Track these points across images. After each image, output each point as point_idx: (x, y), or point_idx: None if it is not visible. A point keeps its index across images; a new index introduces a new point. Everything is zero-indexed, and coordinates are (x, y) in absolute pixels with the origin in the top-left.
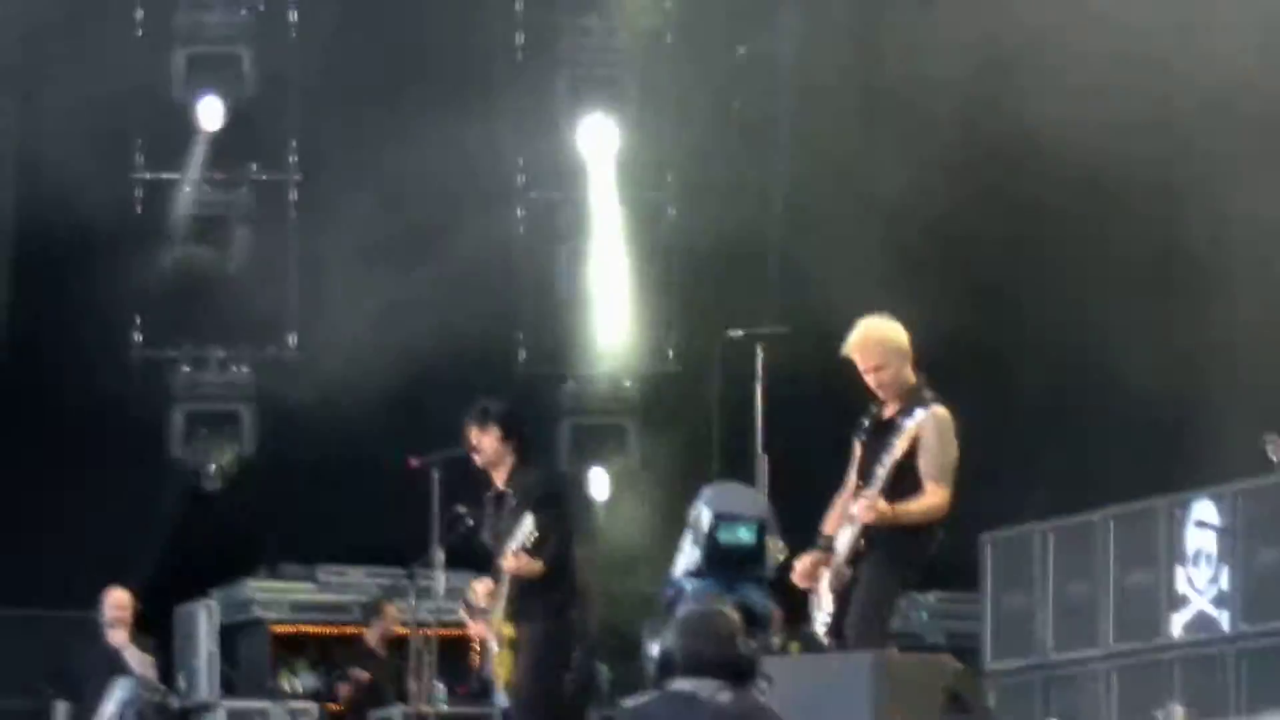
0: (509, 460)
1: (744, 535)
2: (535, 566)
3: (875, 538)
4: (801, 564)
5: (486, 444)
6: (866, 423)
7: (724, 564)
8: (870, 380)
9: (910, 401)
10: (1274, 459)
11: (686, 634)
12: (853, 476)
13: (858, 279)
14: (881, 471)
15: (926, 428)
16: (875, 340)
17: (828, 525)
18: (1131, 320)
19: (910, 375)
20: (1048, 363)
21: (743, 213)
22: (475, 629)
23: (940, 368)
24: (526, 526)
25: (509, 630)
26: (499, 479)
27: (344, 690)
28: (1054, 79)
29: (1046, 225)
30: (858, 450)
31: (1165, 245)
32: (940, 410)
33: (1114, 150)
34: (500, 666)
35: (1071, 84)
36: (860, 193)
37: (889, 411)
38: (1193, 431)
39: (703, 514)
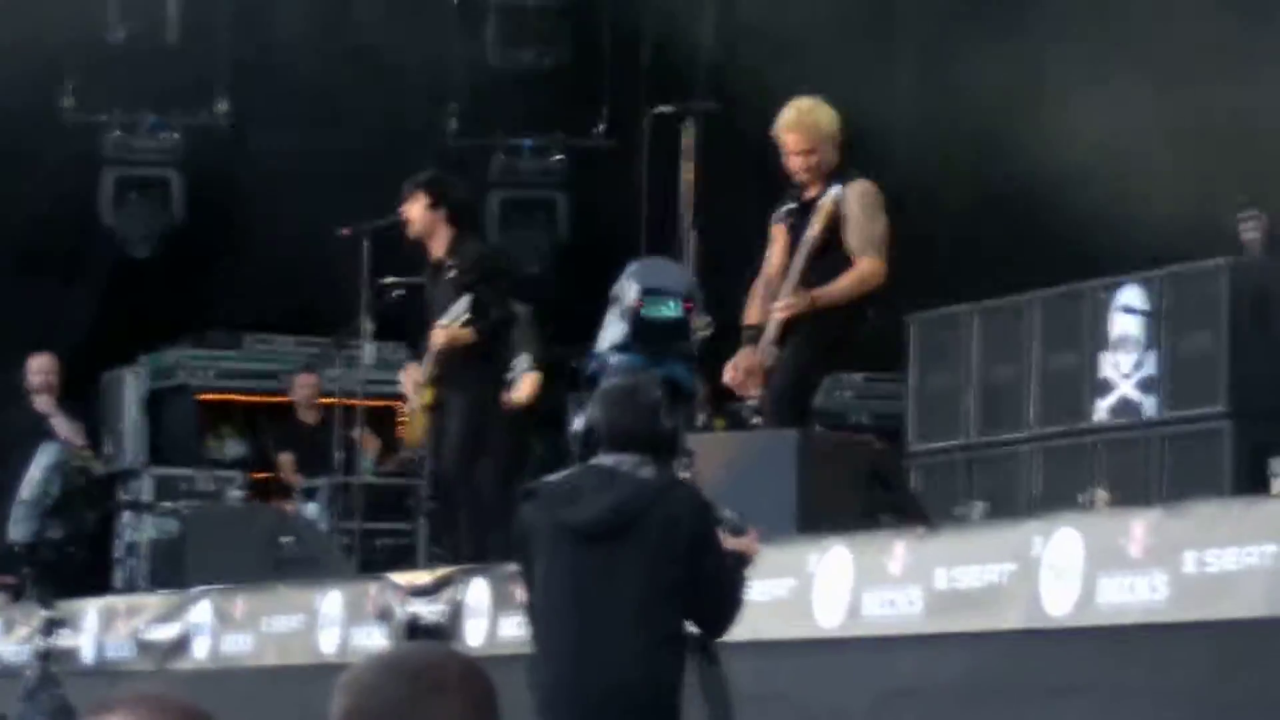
0: (443, 230)
1: (670, 310)
2: (465, 333)
3: (800, 316)
4: (735, 363)
5: (415, 213)
6: (790, 205)
7: (650, 339)
8: (797, 163)
9: (832, 181)
10: (1254, 235)
11: (609, 407)
12: (774, 260)
13: (795, 54)
14: (800, 254)
15: (849, 200)
16: (810, 124)
17: (749, 314)
18: (1066, 105)
19: (835, 158)
20: (979, 146)
21: None
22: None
23: (871, 150)
24: (461, 305)
25: (428, 396)
26: (436, 249)
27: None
28: None
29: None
30: (779, 234)
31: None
32: (863, 183)
33: None
34: (410, 427)
35: None
36: None
37: (811, 193)
38: (1122, 217)
39: (628, 288)
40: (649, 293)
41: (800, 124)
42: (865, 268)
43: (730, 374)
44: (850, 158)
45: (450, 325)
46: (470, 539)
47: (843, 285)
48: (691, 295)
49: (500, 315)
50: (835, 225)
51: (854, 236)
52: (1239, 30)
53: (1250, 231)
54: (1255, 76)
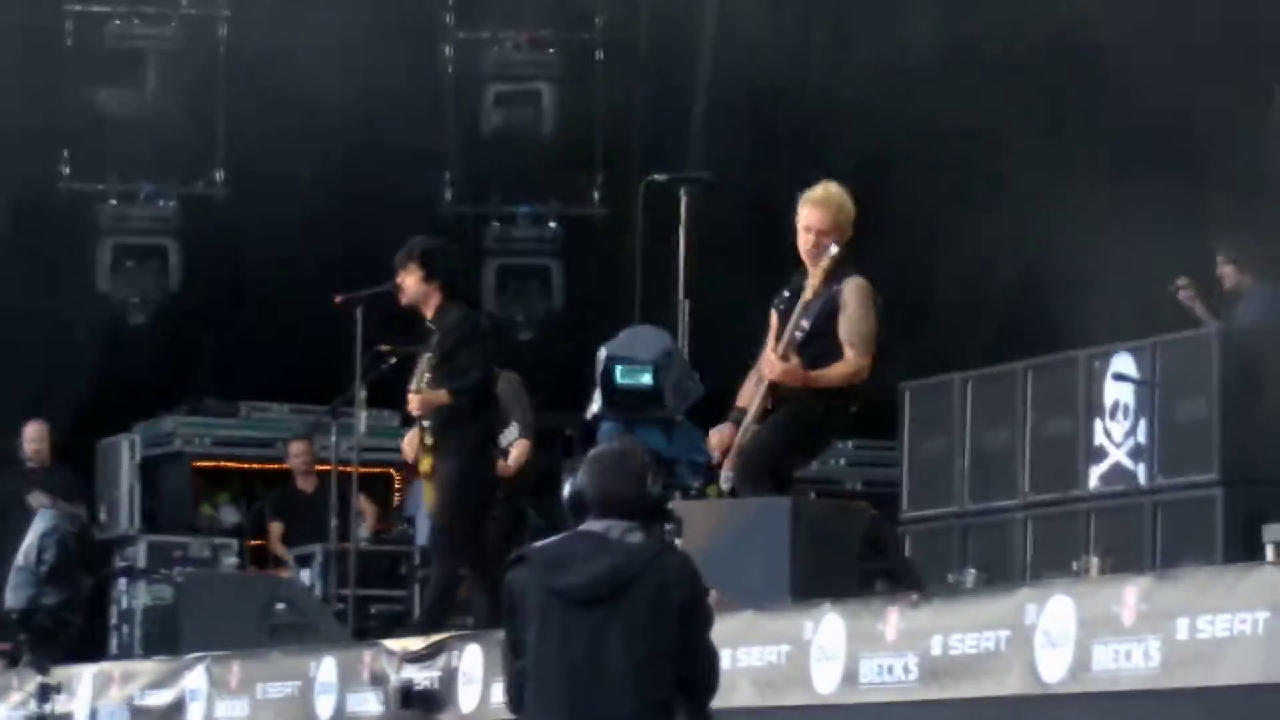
0: (434, 299)
1: (641, 378)
2: (439, 396)
3: (784, 398)
4: (719, 437)
5: (410, 283)
6: (786, 293)
7: (622, 406)
8: (807, 240)
9: (832, 274)
10: (1188, 305)
11: (597, 473)
12: (769, 346)
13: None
14: (797, 333)
15: (846, 293)
16: (837, 205)
17: (741, 397)
18: (1044, 178)
19: (841, 251)
20: (967, 218)
21: (671, 57)
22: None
23: (863, 224)
24: (423, 365)
25: (427, 464)
26: (428, 316)
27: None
28: None
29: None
30: (774, 320)
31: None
32: (861, 279)
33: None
34: (427, 501)
35: None
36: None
37: (810, 281)
38: (1111, 287)
39: (599, 356)
40: (616, 360)
41: (827, 203)
42: (854, 365)
43: (714, 441)
44: (854, 254)
45: (421, 390)
46: (428, 606)
47: (835, 373)
48: (662, 362)
49: (476, 377)
50: (834, 312)
51: (846, 330)
52: None
53: (1186, 298)
54: None
